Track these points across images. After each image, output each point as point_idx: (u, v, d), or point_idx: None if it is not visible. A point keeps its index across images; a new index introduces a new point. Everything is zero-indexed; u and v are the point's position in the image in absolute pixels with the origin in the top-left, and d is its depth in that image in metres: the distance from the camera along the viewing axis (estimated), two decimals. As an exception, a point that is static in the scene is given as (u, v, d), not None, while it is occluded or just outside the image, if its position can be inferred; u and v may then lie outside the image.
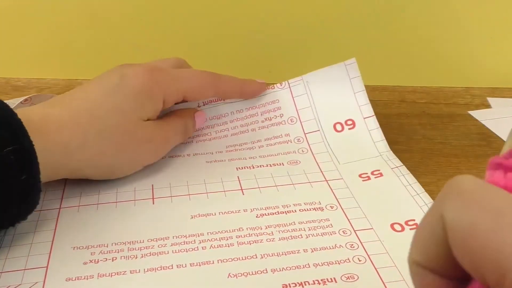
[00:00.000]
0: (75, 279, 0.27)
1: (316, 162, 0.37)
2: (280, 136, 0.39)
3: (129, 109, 0.32)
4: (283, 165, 0.36)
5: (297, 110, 0.39)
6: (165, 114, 0.36)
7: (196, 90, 0.36)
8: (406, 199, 0.32)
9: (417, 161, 0.38)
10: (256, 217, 0.31)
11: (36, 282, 0.27)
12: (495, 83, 0.49)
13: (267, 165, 0.36)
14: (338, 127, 0.38)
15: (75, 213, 0.32)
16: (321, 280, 0.26)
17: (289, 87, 0.39)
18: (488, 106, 0.46)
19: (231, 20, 0.49)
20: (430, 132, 0.42)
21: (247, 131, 0.39)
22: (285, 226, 0.30)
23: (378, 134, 0.37)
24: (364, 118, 0.38)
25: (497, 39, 0.49)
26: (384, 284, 0.26)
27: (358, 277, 0.27)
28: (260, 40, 0.50)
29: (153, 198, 0.33)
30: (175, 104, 0.36)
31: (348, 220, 0.31)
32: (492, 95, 0.48)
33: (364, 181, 0.34)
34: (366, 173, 0.35)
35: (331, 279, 0.27)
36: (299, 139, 0.38)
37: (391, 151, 0.37)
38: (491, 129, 0.42)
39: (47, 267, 0.28)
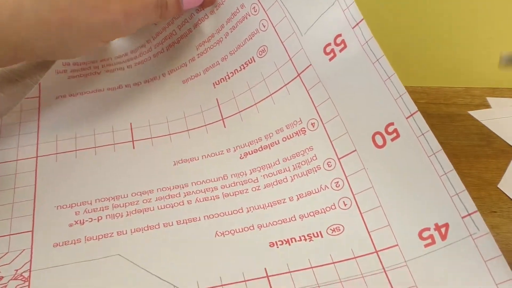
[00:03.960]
0: (62, 244, 0.26)
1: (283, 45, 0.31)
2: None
3: None
4: (254, 61, 0.32)
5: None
6: None
7: None
8: (384, 97, 0.26)
9: (417, 161, 0.37)
10: (240, 158, 0.30)
11: (23, 250, 0.26)
12: (495, 83, 0.49)
13: (240, 68, 0.33)
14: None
15: (53, 163, 0.30)
16: (307, 235, 0.26)
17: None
18: (488, 106, 0.46)
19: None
20: (430, 132, 0.42)
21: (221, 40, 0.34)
22: (269, 167, 0.29)
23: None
24: None
25: (497, 39, 0.49)
26: (369, 234, 0.26)
27: (343, 229, 0.26)
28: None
29: (133, 141, 0.31)
30: None
31: (331, 142, 0.28)
32: (492, 95, 0.47)
33: (331, 60, 0.28)
34: (330, 45, 0.28)
35: (317, 233, 0.26)
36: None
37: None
38: (491, 129, 0.42)
39: (32, 231, 0.27)
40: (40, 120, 0.32)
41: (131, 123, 0.32)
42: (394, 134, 0.26)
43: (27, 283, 0.25)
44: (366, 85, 0.27)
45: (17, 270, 0.26)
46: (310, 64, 0.30)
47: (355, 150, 0.28)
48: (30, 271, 0.26)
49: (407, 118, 0.26)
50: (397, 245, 0.25)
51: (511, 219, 0.33)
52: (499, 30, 0.49)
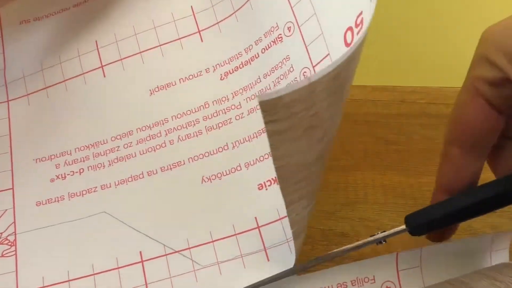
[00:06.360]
0: (45, 203, 0.25)
1: None
2: None
3: None
4: None
5: None
6: None
7: None
8: None
9: (417, 161, 0.37)
10: (221, 79, 0.27)
11: (6, 210, 0.25)
12: (495, 83, 0.49)
13: None
14: None
15: (26, 107, 0.28)
16: None
17: None
18: (488, 106, 0.46)
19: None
20: (430, 132, 0.42)
21: None
22: (251, 87, 0.26)
23: None
24: None
25: (497, 39, 0.49)
26: None
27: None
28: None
29: (102, 67, 0.28)
30: None
31: (306, 48, 0.24)
32: (492, 95, 0.48)
33: None
34: None
35: None
36: None
37: None
38: (491, 129, 0.42)
39: (12, 189, 0.26)
40: (5, 53, 0.29)
41: (96, 41, 0.29)
42: (360, 26, 0.22)
43: (13, 248, 0.24)
44: None
45: (1, 233, 0.25)
46: None
47: (328, 54, 0.24)
48: (15, 234, 0.25)
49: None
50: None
51: (511, 219, 0.33)
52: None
